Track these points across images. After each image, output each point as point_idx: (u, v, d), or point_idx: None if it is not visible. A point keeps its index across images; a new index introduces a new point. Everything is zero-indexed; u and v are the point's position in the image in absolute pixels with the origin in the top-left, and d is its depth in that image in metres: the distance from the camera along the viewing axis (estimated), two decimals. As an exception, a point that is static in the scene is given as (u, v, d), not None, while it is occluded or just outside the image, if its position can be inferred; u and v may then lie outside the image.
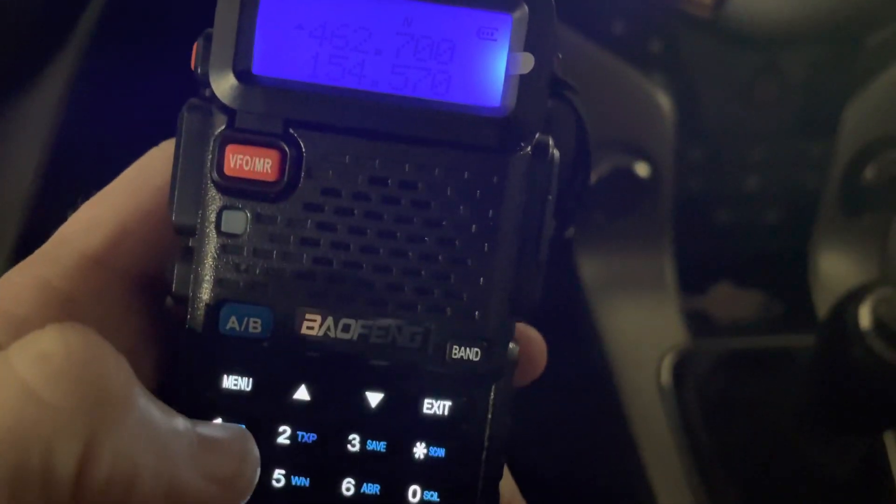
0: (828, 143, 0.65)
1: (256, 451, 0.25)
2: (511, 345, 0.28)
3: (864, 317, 0.51)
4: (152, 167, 0.27)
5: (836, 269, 0.67)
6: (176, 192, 0.27)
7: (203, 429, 0.24)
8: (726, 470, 0.60)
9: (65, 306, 0.25)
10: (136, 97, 0.39)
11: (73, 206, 0.27)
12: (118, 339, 0.26)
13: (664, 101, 0.63)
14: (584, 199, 0.31)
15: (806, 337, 0.59)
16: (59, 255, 0.26)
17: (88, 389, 0.21)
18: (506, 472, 0.29)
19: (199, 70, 0.26)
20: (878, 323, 0.51)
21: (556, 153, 0.27)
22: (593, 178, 0.63)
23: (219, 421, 0.27)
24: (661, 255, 0.66)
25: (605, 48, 0.62)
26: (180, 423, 0.23)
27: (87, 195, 0.27)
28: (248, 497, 0.24)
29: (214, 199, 0.26)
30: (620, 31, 0.62)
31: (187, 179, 0.26)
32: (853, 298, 0.53)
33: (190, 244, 0.27)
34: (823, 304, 0.65)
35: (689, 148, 0.65)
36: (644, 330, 0.65)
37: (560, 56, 0.27)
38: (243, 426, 0.25)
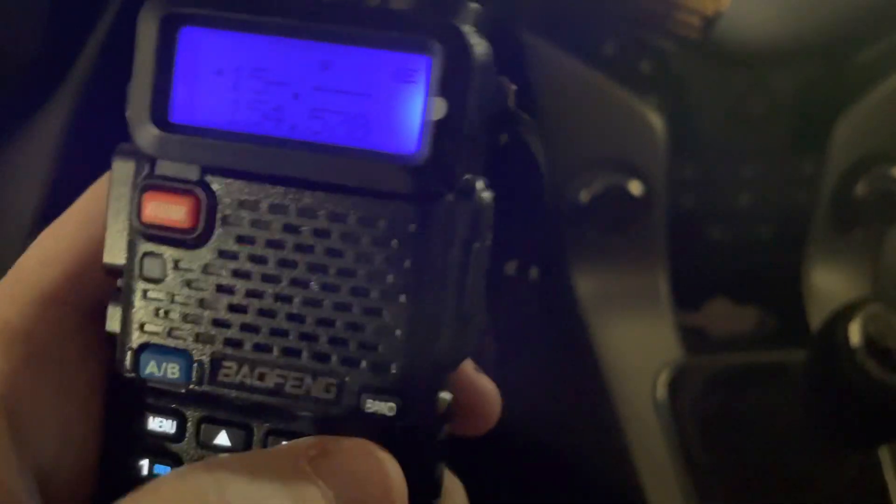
0: (819, 159, 0.66)
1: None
2: (443, 395, 0.27)
3: (854, 334, 0.52)
4: (105, 195, 0.27)
5: (829, 284, 0.68)
6: (106, 235, 0.27)
7: None
8: (722, 485, 0.61)
9: (26, 345, 0.26)
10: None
11: (31, 235, 0.27)
12: (77, 373, 0.27)
13: (656, 121, 0.64)
14: (543, 240, 0.30)
15: (800, 352, 0.59)
16: (17, 294, 0.26)
17: None
18: None
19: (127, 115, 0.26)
20: (868, 340, 0.51)
21: (487, 196, 0.26)
22: (587, 197, 0.63)
23: (146, 461, 0.27)
24: (655, 272, 0.66)
25: (598, 69, 0.63)
26: None
27: (43, 225, 0.27)
28: None
29: (136, 245, 0.26)
30: (612, 53, 0.63)
31: (115, 223, 0.27)
32: (843, 316, 0.53)
33: (119, 285, 0.27)
34: (817, 319, 0.65)
35: (682, 166, 0.65)
36: (639, 346, 0.65)
37: (515, 87, 0.26)
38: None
